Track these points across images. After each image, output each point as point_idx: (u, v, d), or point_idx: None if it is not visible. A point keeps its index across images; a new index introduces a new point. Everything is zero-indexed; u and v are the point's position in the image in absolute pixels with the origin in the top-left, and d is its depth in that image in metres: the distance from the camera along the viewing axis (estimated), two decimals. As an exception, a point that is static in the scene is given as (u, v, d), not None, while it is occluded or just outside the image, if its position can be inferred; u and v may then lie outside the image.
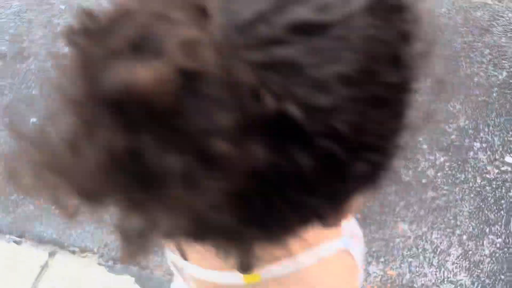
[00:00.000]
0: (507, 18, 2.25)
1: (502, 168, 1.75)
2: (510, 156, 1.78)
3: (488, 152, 1.80)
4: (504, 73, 2.04)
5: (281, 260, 0.47)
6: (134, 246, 0.34)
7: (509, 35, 2.18)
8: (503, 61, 2.08)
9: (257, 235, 0.35)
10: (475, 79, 2.03)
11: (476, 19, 2.27)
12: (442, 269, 1.57)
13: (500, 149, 1.80)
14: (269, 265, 0.47)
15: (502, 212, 1.64)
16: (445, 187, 1.72)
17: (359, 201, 0.41)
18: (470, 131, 1.86)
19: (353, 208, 0.41)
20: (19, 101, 2.05)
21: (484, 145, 1.82)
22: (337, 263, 0.52)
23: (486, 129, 1.86)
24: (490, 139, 1.83)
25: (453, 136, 1.86)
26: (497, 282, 1.54)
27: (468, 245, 1.58)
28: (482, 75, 2.04)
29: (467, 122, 1.89)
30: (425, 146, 1.84)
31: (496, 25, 2.23)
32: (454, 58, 2.12)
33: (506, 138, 1.83)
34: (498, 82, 2.01)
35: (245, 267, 0.44)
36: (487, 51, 2.13)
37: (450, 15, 2.30)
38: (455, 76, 2.05)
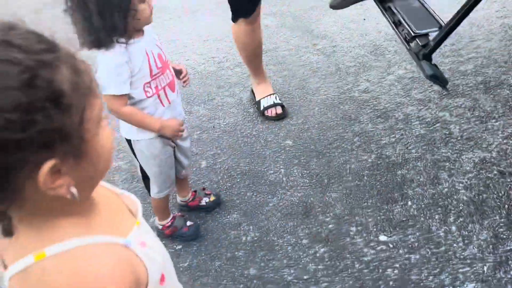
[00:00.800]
0: (371, 106, 2.42)
1: (378, 248, 1.74)
2: (384, 234, 1.79)
3: (364, 234, 1.80)
4: (373, 156, 2.13)
5: (62, 241, 0.60)
6: None
7: (374, 120, 2.33)
8: (371, 145, 2.19)
9: None
10: (347, 166, 2.11)
11: (345, 111, 2.43)
12: None
13: (375, 229, 1.81)
14: (52, 244, 0.59)
15: (380, 293, 1.60)
16: (326, 279, 1.68)
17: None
18: (346, 217, 1.88)
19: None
20: None
21: (359, 228, 1.83)
22: (108, 252, 0.64)
23: (361, 212, 1.89)
24: (364, 221, 1.85)
25: (330, 225, 1.87)
26: None
27: (350, 336, 1.50)
28: (353, 161, 2.13)
29: (342, 208, 1.92)
30: (305, 241, 1.84)
31: (363, 113, 2.39)
32: (328, 151, 2.22)
33: (379, 218, 1.85)
34: (367, 165, 2.09)
35: (7, 231, 0.60)
36: (356, 139, 2.25)
37: (322, 112, 2.46)
38: (329, 167, 2.13)
